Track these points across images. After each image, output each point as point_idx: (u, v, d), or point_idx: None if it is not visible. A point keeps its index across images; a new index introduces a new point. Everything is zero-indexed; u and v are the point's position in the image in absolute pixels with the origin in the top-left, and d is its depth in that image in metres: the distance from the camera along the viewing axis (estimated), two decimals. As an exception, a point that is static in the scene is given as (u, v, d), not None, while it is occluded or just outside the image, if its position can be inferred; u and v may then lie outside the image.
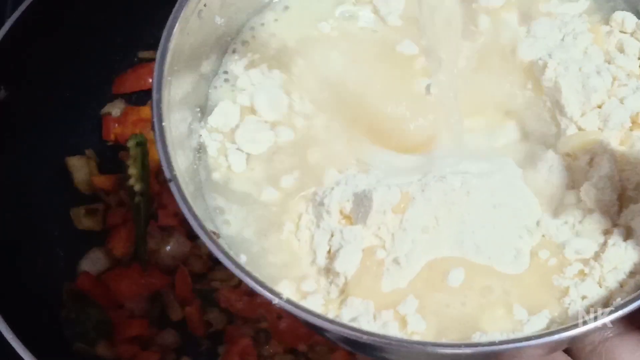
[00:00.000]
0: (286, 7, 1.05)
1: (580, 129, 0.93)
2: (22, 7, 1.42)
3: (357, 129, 0.97)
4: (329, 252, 0.89)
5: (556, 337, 0.76)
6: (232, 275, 1.47)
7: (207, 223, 0.84)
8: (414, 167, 0.93)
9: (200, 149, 0.97)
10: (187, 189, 0.84)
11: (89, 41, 1.59)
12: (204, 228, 0.81)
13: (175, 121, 0.90)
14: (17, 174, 1.47)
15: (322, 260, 0.89)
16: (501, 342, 0.78)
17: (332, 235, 0.89)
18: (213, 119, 0.97)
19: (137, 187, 1.54)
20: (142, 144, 1.56)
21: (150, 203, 1.54)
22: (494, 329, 0.83)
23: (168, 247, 1.50)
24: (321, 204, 0.91)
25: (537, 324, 0.83)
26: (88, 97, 1.61)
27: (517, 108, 0.99)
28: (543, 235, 0.89)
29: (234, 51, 1.03)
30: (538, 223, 0.89)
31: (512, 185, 0.91)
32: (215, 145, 0.96)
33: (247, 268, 0.80)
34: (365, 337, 0.77)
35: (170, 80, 0.89)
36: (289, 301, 0.78)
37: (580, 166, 0.91)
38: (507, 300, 0.85)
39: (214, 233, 0.83)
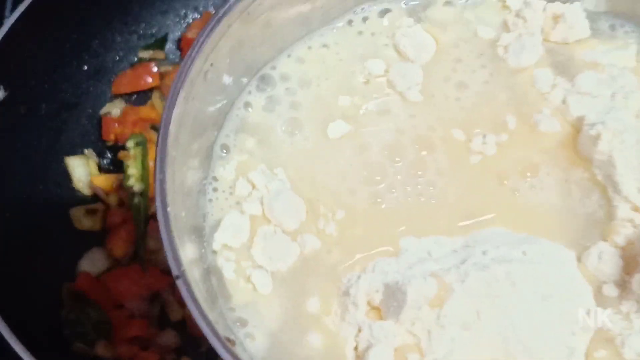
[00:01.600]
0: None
1: (635, 207, 0.83)
2: (22, 8, 1.41)
3: (387, 217, 0.87)
4: (355, 348, 0.80)
5: None
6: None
7: (220, 327, 0.74)
8: (450, 252, 0.83)
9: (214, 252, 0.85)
10: (197, 286, 0.73)
11: (88, 41, 1.59)
12: (217, 334, 0.72)
13: (182, 204, 0.79)
14: (17, 173, 1.46)
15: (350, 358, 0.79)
16: None
17: (359, 331, 0.79)
18: (221, 236, 0.85)
19: (137, 187, 1.53)
20: (142, 144, 1.56)
21: (150, 203, 1.53)
22: None
23: (168, 247, 1.49)
24: (346, 294, 0.81)
25: None
26: (88, 97, 1.61)
27: (561, 187, 0.89)
28: (597, 330, 0.79)
29: (222, 148, 0.90)
30: (589, 313, 0.79)
31: (563, 272, 0.80)
32: (230, 266, 0.84)
33: None
34: None
35: (175, 156, 0.78)
36: None
37: (633, 253, 0.82)
38: None
39: (229, 340, 0.74)
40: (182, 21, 1.70)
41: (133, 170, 1.54)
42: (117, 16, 1.62)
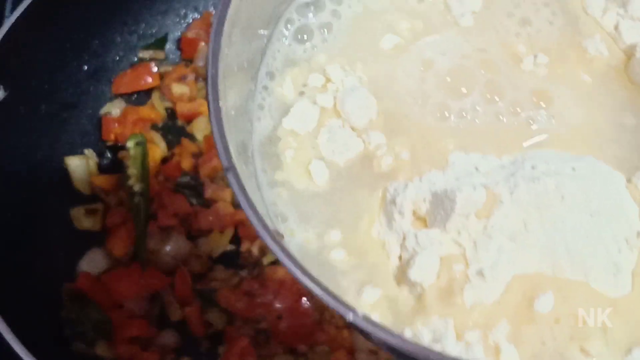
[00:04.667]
0: None
1: None
2: (22, 7, 1.41)
3: (445, 130, 0.86)
4: (399, 258, 0.79)
5: None
6: (232, 276, 1.49)
7: (267, 220, 0.73)
8: (498, 167, 0.82)
9: (266, 142, 0.85)
10: (245, 181, 0.73)
11: (88, 41, 1.58)
12: (266, 227, 0.70)
13: (232, 102, 0.79)
14: (17, 174, 1.44)
15: (394, 267, 0.79)
16: None
17: (404, 239, 0.79)
18: (289, 122, 0.85)
19: (137, 187, 1.52)
20: (142, 144, 1.55)
21: (150, 203, 1.52)
22: None
23: (168, 247, 1.48)
24: (392, 202, 0.80)
25: None
26: (87, 97, 1.60)
27: (611, 108, 0.87)
28: None
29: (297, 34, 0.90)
30: (638, 234, 0.78)
31: (611, 191, 0.79)
32: (290, 153, 0.84)
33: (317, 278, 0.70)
34: None
35: (227, 53, 0.77)
36: (365, 318, 0.69)
37: None
38: (605, 328, 0.75)
39: (278, 233, 0.74)
40: (182, 21, 1.70)
41: (133, 170, 1.54)
42: (117, 16, 1.61)
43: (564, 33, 0.92)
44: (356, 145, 0.85)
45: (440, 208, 0.78)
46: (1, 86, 1.40)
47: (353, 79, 0.88)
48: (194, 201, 1.54)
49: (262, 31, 0.89)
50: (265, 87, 0.89)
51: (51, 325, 1.41)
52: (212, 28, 0.77)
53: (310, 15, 0.93)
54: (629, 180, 0.82)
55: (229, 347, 1.42)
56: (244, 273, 1.48)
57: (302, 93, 0.88)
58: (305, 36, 0.92)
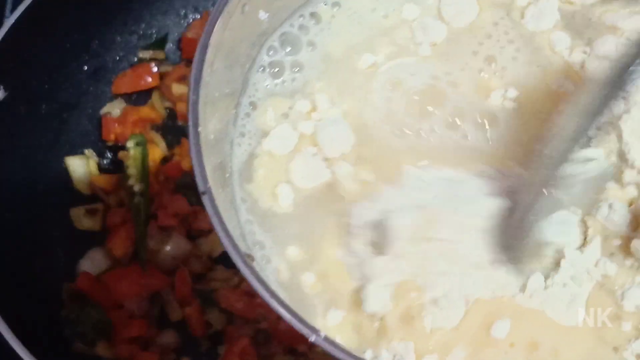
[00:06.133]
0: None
1: None
2: (22, 7, 1.40)
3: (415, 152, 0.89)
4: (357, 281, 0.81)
5: None
6: (232, 276, 1.49)
7: (240, 243, 0.76)
8: (443, 181, 0.84)
9: (241, 168, 0.88)
10: (221, 204, 0.76)
11: (88, 41, 1.58)
12: (237, 249, 0.73)
13: (212, 127, 0.82)
14: (17, 174, 1.44)
15: (353, 290, 0.81)
16: None
17: (357, 265, 0.81)
18: (268, 143, 0.88)
19: (137, 187, 1.52)
20: (142, 144, 1.55)
21: (150, 203, 1.52)
22: None
23: (168, 248, 1.48)
24: (348, 226, 0.83)
25: None
26: (88, 97, 1.59)
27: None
28: (599, 280, 0.81)
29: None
30: (596, 264, 0.81)
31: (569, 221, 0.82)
32: (262, 172, 0.88)
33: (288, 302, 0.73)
34: None
35: (209, 81, 0.81)
36: (326, 339, 0.72)
37: (638, 213, 0.82)
38: (555, 355, 0.78)
39: (248, 256, 0.76)
40: (182, 21, 1.70)
41: (133, 170, 1.54)
42: (117, 16, 1.61)
43: (529, 69, 0.93)
44: (324, 174, 0.88)
45: (382, 234, 0.80)
46: (1, 86, 1.40)
47: (337, 111, 0.91)
48: (194, 201, 1.54)
49: (244, 59, 0.92)
50: (248, 115, 0.92)
51: (51, 325, 1.41)
52: (195, 55, 0.80)
53: (288, 49, 0.96)
54: (589, 213, 0.84)
55: (229, 347, 1.42)
56: (244, 273, 1.48)
57: (286, 115, 0.91)
58: (277, 69, 0.95)
